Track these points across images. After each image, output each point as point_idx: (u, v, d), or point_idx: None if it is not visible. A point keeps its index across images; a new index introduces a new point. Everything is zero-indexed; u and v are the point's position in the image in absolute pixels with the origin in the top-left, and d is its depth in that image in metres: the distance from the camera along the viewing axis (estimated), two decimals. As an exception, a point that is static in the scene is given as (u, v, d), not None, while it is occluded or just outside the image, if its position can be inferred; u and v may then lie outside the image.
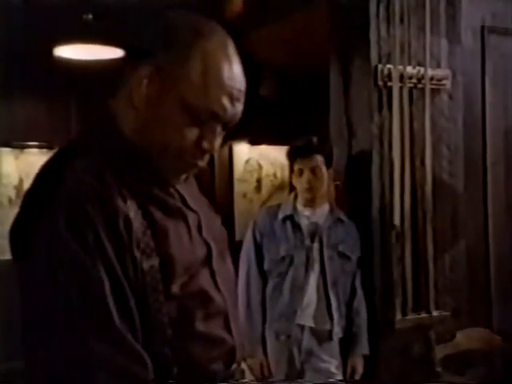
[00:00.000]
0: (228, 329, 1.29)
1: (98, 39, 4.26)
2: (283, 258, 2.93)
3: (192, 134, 1.23)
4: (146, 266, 1.17)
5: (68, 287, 1.10)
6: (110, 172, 1.19)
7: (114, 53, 4.51)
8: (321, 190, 2.99)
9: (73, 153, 1.23)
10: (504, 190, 3.69)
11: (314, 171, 2.97)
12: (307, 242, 2.94)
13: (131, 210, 1.18)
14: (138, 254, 1.16)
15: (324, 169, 2.98)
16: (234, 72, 1.25)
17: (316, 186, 2.98)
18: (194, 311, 1.23)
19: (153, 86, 1.21)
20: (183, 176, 1.31)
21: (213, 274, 1.30)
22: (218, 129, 1.27)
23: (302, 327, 2.93)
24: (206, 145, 1.25)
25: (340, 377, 2.95)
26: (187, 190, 1.36)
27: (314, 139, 3.02)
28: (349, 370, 2.99)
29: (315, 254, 2.94)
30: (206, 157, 1.29)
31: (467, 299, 3.43)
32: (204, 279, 1.28)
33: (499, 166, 3.67)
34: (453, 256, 3.40)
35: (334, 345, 2.98)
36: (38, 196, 1.21)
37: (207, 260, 1.31)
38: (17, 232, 1.23)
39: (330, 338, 2.94)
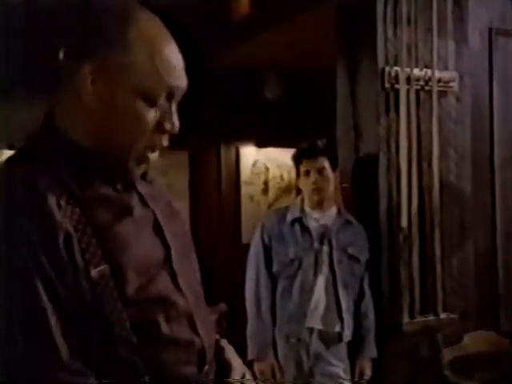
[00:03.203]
0: (195, 330, 1.26)
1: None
2: (292, 261, 2.93)
3: (152, 118, 1.21)
4: (94, 275, 1.12)
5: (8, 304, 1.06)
6: (50, 180, 1.15)
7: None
8: (328, 191, 3.00)
9: (16, 161, 1.21)
10: (512, 192, 3.68)
11: (320, 172, 2.97)
12: (316, 244, 2.94)
13: (72, 220, 1.13)
14: (82, 264, 1.11)
15: (330, 170, 2.99)
16: (174, 49, 1.24)
17: (323, 187, 2.98)
18: (157, 315, 1.19)
19: (99, 82, 1.17)
20: (142, 167, 1.27)
21: (174, 276, 1.26)
22: (173, 107, 1.25)
23: (311, 330, 2.92)
24: (168, 126, 1.24)
25: (348, 381, 2.95)
26: (147, 189, 1.32)
27: (319, 141, 3.03)
28: (357, 373, 2.98)
29: (324, 257, 2.94)
30: (167, 137, 1.26)
31: (475, 302, 3.42)
32: (164, 281, 1.24)
33: (507, 168, 3.65)
34: (460, 258, 3.39)
35: (343, 348, 2.97)
36: None
37: (166, 261, 1.26)
38: None
39: (340, 340, 2.93)
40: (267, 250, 3.00)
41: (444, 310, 3.27)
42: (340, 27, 3.44)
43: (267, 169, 5.90)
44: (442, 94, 3.30)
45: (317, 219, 3.00)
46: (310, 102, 5.18)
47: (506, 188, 3.64)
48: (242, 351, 1.81)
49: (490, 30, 3.55)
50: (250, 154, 5.82)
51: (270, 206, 5.62)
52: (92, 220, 1.15)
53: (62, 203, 1.13)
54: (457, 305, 3.33)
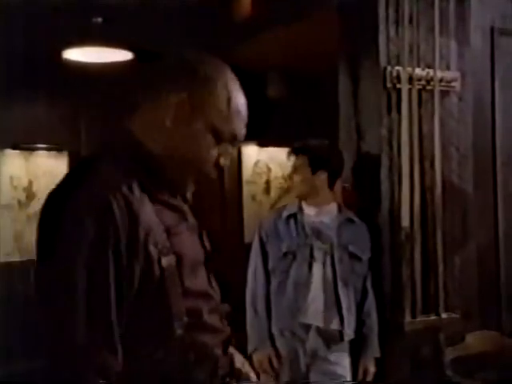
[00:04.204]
0: (222, 322, 1.54)
1: (106, 42, 4.27)
2: (285, 255, 2.96)
3: (213, 151, 1.47)
4: (164, 263, 1.35)
5: (78, 272, 1.26)
6: (132, 179, 1.37)
7: (123, 55, 4.53)
8: (303, 189, 3.01)
9: (92, 163, 1.41)
10: (515, 192, 3.68)
11: (297, 170, 2.99)
12: (310, 239, 2.95)
13: (150, 217, 1.35)
14: (155, 253, 1.33)
15: (308, 169, 3.00)
16: (244, 102, 1.50)
17: (298, 184, 3.02)
18: (201, 305, 1.44)
19: (182, 109, 1.42)
20: (191, 186, 1.54)
21: (208, 275, 1.53)
22: (230, 148, 1.52)
23: (308, 327, 2.93)
24: (222, 161, 1.51)
25: (348, 378, 2.95)
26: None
27: (312, 140, 3.07)
28: (360, 372, 2.98)
29: (322, 253, 2.95)
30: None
31: (477, 301, 3.42)
32: (204, 279, 1.51)
33: (509, 167, 3.65)
34: (462, 258, 3.39)
35: (344, 346, 2.97)
36: (60, 199, 1.35)
37: (204, 263, 1.52)
38: (41, 233, 1.34)
39: (341, 339, 2.94)
40: (264, 247, 3.03)
41: (446, 310, 3.27)
42: (342, 27, 3.43)
43: (269, 168, 5.90)
44: (444, 93, 3.30)
45: (313, 215, 3.02)
46: (313, 101, 5.18)
47: (507, 187, 3.64)
48: (243, 350, 1.84)
49: (492, 29, 3.55)
50: (252, 153, 5.82)
51: (272, 205, 5.62)
52: (162, 219, 1.38)
53: (145, 197, 1.37)
54: (459, 304, 3.33)
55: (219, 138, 1.46)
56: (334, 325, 2.93)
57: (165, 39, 4.46)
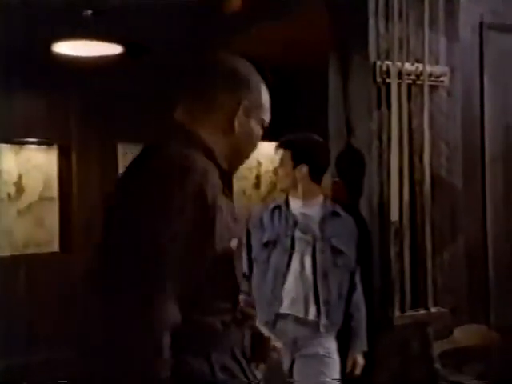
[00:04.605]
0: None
1: (97, 35, 4.26)
2: (266, 244, 2.99)
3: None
4: (233, 243, 1.55)
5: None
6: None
7: (113, 49, 4.52)
8: (284, 182, 3.04)
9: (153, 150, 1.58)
10: (503, 187, 3.69)
11: (281, 164, 3.05)
12: (292, 230, 2.98)
13: (222, 203, 1.52)
14: (226, 233, 1.52)
15: (290, 163, 3.02)
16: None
17: (280, 177, 3.08)
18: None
19: (244, 115, 1.65)
20: None
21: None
22: None
23: (287, 316, 2.95)
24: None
25: (335, 358, 2.97)
26: None
27: (293, 135, 3.09)
28: (349, 366, 3.00)
29: (305, 245, 2.97)
30: None
31: (465, 296, 3.43)
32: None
33: (498, 162, 3.67)
34: (451, 253, 3.40)
35: (327, 338, 2.98)
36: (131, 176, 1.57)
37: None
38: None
39: (318, 329, 2.95)
40: (250, 239, 3.07)
41: (435, 304, 3.28)
42: (332, 22, 3.44)
43: (259, 163, 5.90)
44: (433, 88, 3.31)
45: (298, 208, 3.04)
46: (303, 96, 5.18)
47: (496, 182, 3.66)
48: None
49: (481, 24, 3.56)
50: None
51: (262, 200, 5.62)
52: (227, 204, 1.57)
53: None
54: (447, 299, 3.34)
55: (263, 128, 1.72)
56: (311, 315, 2.95)
57: (155, 33, 4.46)
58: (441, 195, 3.35)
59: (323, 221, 3.02)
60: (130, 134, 5.42)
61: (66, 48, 4.47)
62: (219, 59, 1.70)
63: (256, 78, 1.70)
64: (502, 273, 3.65)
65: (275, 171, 3.19)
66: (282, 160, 3.06)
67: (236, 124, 1.64)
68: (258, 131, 1.70)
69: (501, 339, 3.41)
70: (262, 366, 1.81)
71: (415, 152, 3.27)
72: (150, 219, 1.42)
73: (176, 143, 1.56)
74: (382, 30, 3.21)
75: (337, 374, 2.96)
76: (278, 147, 3.07)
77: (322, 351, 2.96)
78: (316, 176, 3.06)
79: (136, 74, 5.15)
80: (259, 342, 1.77)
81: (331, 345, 2.99)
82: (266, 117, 1.73)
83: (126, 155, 5.57)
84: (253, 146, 1.73)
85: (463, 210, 3.44)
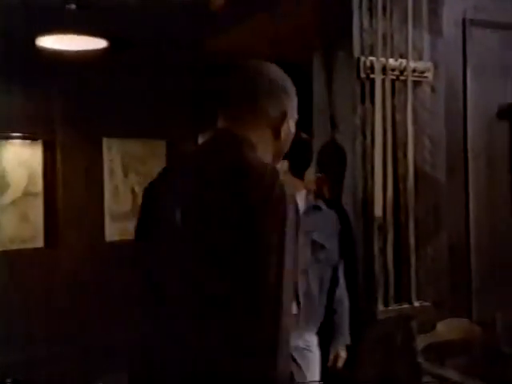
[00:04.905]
0: None
1: (81, 29, 4.24)
2: None
3: None
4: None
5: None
6: None
7: (97, 43, 4.50)
8: None
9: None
10: (485, 182, 3.72)
11: None
12: None
13: None
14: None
15: None
16: None
17: None
18: None
19: (286, 121, 1.70)
20: None
21: None
22: None
23: None
24: None
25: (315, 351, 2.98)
26: None
27: None
28: (331, 357, 3.01)
29: None
30: None
31: (448, 290, 3.46)
32: None
33: (480, 157, 3.70)
34: (434, 247, 3.42)
35: (305, 331, 2.99)
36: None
37: None
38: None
39: (298, 322, 2.96)
40: None
41: (418, 299, 3.30)
42: (316, 18, 3.45)
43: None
44: (417, 84, 3.33)
45: None
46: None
47: (479, 177, 3.69)
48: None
49: (464, 20, 3.58)
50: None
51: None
52: None
53: None
54: (430, 293, 3.36)
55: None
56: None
57: (140, 28, 4.45)
58: (424, 190, 3.37)
59: (304, 215, 3.03)
60: (115, 128, 5.41)
61: (50, 42, 4.44)
62: (262, 69, 1.73)
63: (289, 81, 1.75)
64: (484, 267, 3.68)
65: None
66: None
67: (282, 131, 1.70)
68: (294, 130, 1.75)
69: (482, 332, 3.44)
70: None
71: (399, 147, 3.29)
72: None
73: (244, 152, 1.61)
74: (366, 25, 3.23)
75: (316, 368, 2.98)
76: None
77: (302, 344, 2.96)
78: (297, 171, 3.06)
79: (121, 68, 5.14)
80: None
81: (312, 338, 3.00)
82: (296, 113, 1.78)
83: (110, 150, 5.55)
84: (288, 146, 1.78)
85: (446, 204, 3.47)
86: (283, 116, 1.69)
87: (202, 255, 1.53)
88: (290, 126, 1.72)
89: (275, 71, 1.75)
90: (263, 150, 1.66)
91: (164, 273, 1.61)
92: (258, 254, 1.48)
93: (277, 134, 1.69)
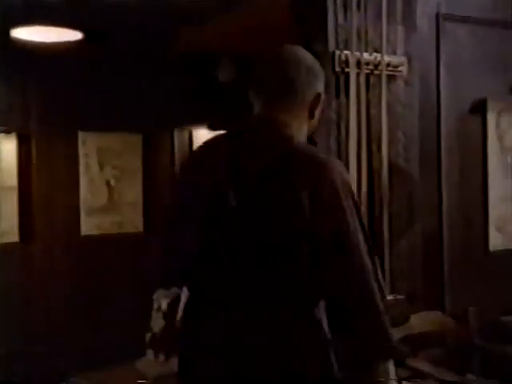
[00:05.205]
0: None
1: (56, 21, 4.20)
2: None
3: None
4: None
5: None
6: None
7: (72, 35, 4.47)
8: None
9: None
10: (458, 176, 3.75)
11: None
12: None
13: None
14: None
15: None
16: None
17: None
18: None
19: (317, 105, 1.81)
20: None
21: None
22: None
23: None
24: None
25: None
26: None
27: None
28: None
29: None
30: None
31: (421, 283, 3.48)
32: None
33: (454, 151, 3.73)
34: (408, 241, 3.44)
35: None
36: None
37: None
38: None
39: None
40: None
41: (391, 292, 3.32)
42: (291, 12, 3.44)
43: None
44: (391, 78, 3.35)
45: None
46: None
47: (452, 171, 3.72)
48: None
49: (438, 15, 3.61)
50: (202, 137, 5.81)
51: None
52: None
53: None
54: (404, 286, 3.39)
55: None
56: None
57: (116, 20, 4.42)
58: (398, 184, 3.39)
59: None
60: (91, 122, 5.37)
61: (24, 33, 4.40)
62: (296, 55, 1.79)
63: (318, 64, 1.84)
64: (457, 260, 3.72)
65: None
66: None
67: (316, 112, 1.81)
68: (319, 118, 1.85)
69: (455, 325, 3.48)
70: None
71: (373, 141, 3.31)
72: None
73: (291, 137, 1.72)
74: (340, 19, 3.23)
75: None
76: None
77: None
78: None
79: (96, 61, 5.10)
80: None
81: None
82: (324, 93, 1.88)
83: (86, 144, 5.51)
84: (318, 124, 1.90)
85: (420, 198, 3.49)
86: (317, 98, 1.79)
87: (262, 238, 1.61)
88: (321, 105, 1.83)
89: (307, 56, 1.82)
90: (298, 129, 1.76)
91: (216, 256, 1.67)
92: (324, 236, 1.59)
93: (311, 114, 1.80)
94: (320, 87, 1.81)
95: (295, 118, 1.76)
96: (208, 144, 1.85)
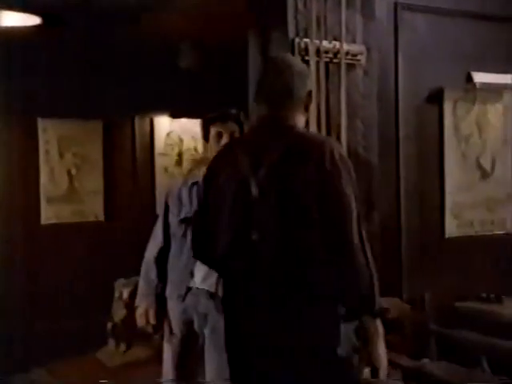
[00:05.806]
0: None
1: (13, 6, 4.14)
2: (183, 220, 2.96)
3: None
4: None
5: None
6: None
7: (30, 20, 4.41)
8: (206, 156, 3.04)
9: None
10: (416, 164, 3.80)
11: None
12: None
13: None
14: None
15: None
16: None
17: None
18: None
19: (310, 99, 2.19)
20: None
21: None
22: None
23: (199, 291, 2.95)
24: None
25: None
26: None
27: (232, 110, 3.03)
28: None
29: None
30: None
31: (379, 270, 3.52)
32: None
33: (411, 139, 3.78)
34: (367, 228, 3.46)
35: None
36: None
37: None
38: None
39: None
40: (167, 214, 3.04)
41: (350, 278, 3.35)
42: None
43: (181, 140, 5.87)
44: (350, 67, 3.37)
45: None
46: (224, 73, 5.18)
47: (410, 159, 3.77)
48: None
49: (396, 4, 3.64)
50: (164, 124, 5.77)
51: (184, 177, 5.59)
52: None
53: None
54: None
55: None
56: (220, 291, 2.96)
57: (75, 4, 4.37)
58: (357, 172, 3.37)
59: None
60: (51, 109, 5.30)
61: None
62: (289, 62, 2.19)
63: (305, 66, 2.37)
64: (414, 248, 3.77)
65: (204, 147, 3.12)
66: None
67: (309, 105, 2.19)
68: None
69: (411, 311, 3.54)
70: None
71: (333, 129, 3.33)
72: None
73: (297, 129, 2.09)
74: (300, 7, 3.24)
75: None
76: (225, 118, 2.96)
77: None
78: None
79: (55, 45, 5.03)
80: None
81: None
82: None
83: (46, 131, 5.44)
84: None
85: (378, 186, 3.53)
86: (309, 95, 2.17)
87: (282, 212, 1.95)
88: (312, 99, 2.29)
89: (298, 62, 2.37)
90: (298, 121, 2.12)
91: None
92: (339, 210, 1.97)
93: (306, 108, 2.17)
94: (310, 85, 2.19)
95: (294, 113, 2.11)
96: (227, 145, 2.43)
